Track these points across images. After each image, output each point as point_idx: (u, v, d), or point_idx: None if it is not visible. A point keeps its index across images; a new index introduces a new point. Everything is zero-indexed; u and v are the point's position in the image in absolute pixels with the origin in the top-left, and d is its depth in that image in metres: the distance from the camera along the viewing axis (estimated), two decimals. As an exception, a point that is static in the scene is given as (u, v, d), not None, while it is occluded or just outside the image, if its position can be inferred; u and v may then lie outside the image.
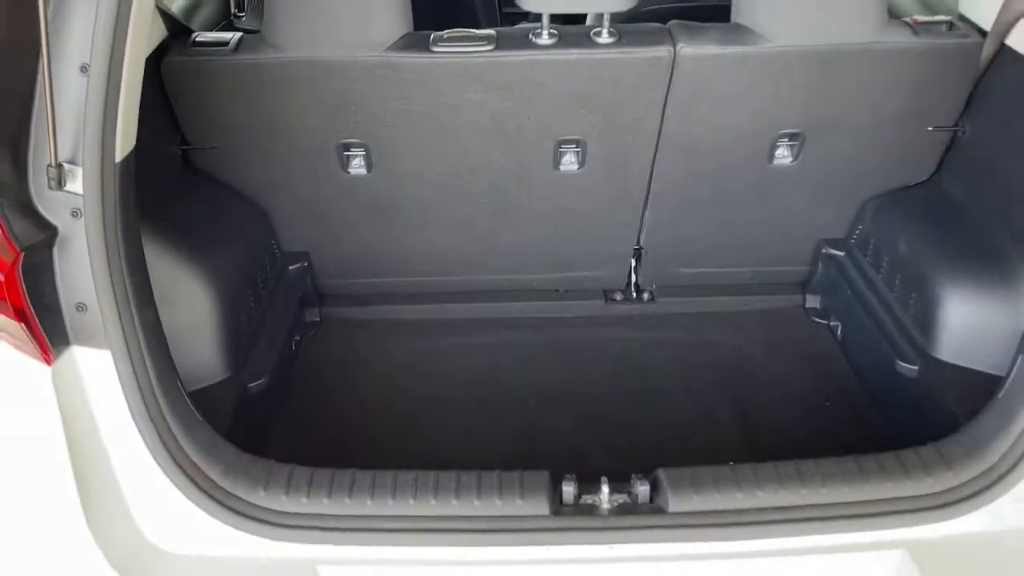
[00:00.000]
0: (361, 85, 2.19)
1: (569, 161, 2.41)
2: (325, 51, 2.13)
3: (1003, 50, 2.14)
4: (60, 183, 1.53)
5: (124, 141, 1.60)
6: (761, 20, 2.13)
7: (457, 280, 2.80)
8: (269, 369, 2.31)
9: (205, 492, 1.67)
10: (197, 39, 2.22)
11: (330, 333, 2.79)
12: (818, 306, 2.81)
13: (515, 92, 2.20)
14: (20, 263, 1.53)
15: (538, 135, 2.32)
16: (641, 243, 2.70)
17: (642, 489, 1.70)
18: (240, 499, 1.68)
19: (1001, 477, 1.67)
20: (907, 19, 2.21)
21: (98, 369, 1.63)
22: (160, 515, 1.66)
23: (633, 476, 1.73)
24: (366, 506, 1.66)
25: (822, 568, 1.67)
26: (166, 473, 1.66)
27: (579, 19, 3.11)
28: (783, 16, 2.12)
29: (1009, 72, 2.16)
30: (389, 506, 1.66)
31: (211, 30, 2.41)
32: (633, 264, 2.79)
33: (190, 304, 2.13)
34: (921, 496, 1.67)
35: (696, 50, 2.12)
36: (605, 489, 1.70)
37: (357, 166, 2.42)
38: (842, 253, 2.66)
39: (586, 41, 2.15)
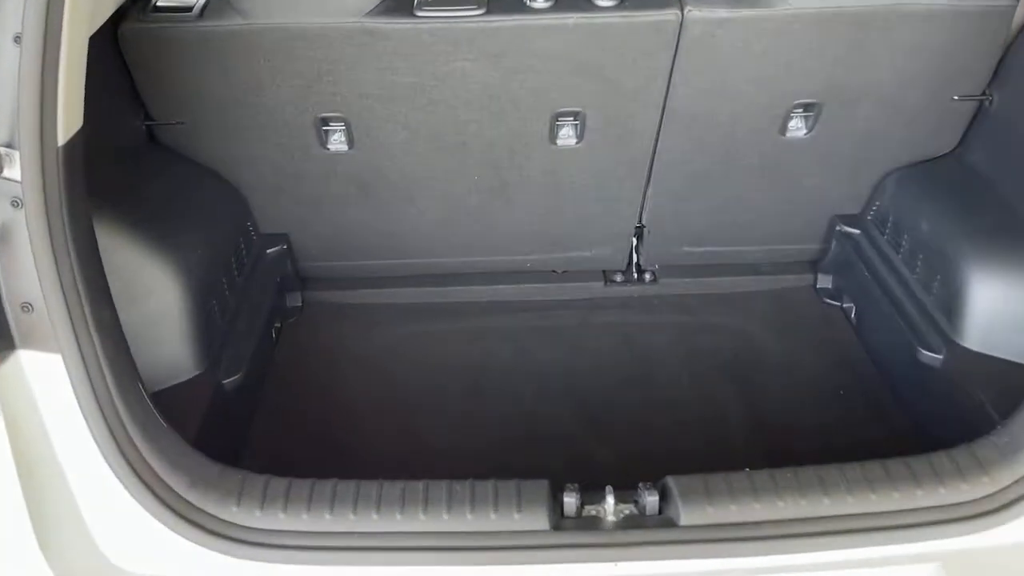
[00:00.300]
0: (339, 54, 2.00)
1: (566, 134, 2.23)
2: (298, 17, 1.94)
3: (1040, 12, 1.97)
4: (-4, 169, 1.36)
5: (68, 121, 1.41)
6: (777, -21, 1.95)
7: (447, 261, 2.64)
8: (245, 363, 2.14)
9: (169, 507, 1.51)
10: (158, 3, 2.02)
11: (313, 319, 2.63)
12: (830, 286, 2.66)
13: (508, 60, 2.02)
14: (-47, 260, 1.36)
15: (533, 106, 2.14)
16: (643, 221, 2.54)
17: (650, 500, 1.55)
18: (209, 515, 1.52)
19: (1042, 483, 1.52)
20: None
21: (48, 375, 1.46)
22: (120, 532, 1.51)
23: (640, 485, 1.58)
24: (349, 521, 1.51)
25: (847, 584, 1.53)
26: (126, 487, 1.50)
27: None
28: None
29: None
30: (374, 521, 1.51)
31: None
32: (634, 243, 2.63)
33: (156, 295, 1.96)
34: (955, 505, 1.53)
35: (705, 13, 1.94)
36: (610, 500, 1.55)
37: (337, 141, 2.25)
38: (857, 231, 2.50)
39: (585, 4, 1.97)
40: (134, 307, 1.79)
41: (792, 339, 2.52)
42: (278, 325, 2.53)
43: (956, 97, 2.19)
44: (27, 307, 1.43)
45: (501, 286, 2.67)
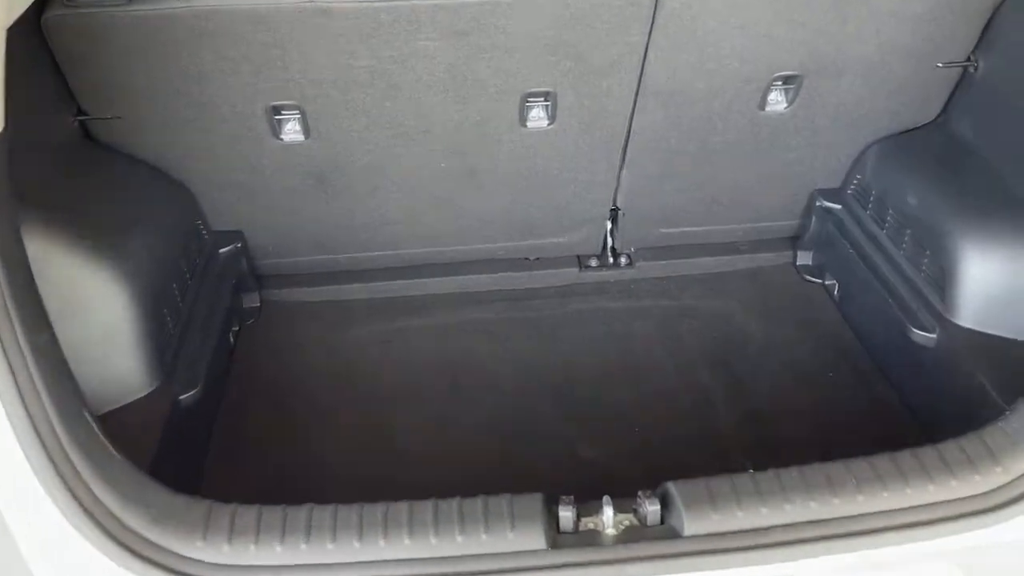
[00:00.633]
0: (291, 37, 1.84)
1: (537, 116, 2.11)
2: None
3: (1030, -27, 1.89)
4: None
5: (-17, 121, 1.25)
6: (757, -56, 1.84)
7: (414, 253, 2.50)
8: (203, 374, 1.99)
9: (127, 547, 1.37)
10: (85, -14, 1.84)
11: (272, 320, 2.47)
12: (810, 263, 2.59)
13: (473, 39, 1.88)
14: None
15: (501, 88, 2.00)
16: (618, 203, 2.43)
17: (651, 509, 1.45)
18: (172, 552, 1.38)
19: (1057, 471, 1.46)
20: None
21: (-23, 408, 1.31)
22: (73, 579, 1.36)
23: (639, 493, 1.48)
24: (327, 552, 1.38)
25: (861, 587, 1.45)
26: (76, 527, 1.35)
27: None
28: None
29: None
30: (355, 550, 1.38)
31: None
32: (609, 227, 2.52)
33: (100, 308, 1.79)
34: (969, 498, 1.45)
35: None
36: (608, 511, 1.45)
37: (292, 131, 2.09)
38: (838, 206, 2.43)
39: None
40: (75, 323, 1.64)
41: (775, 320, 2.44)
42: (236, 328, 2.38)
43: (940, 64, 2.10)
44: (-51, 334, 1.27)
45: (472, 276, 2.55)
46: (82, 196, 1.91)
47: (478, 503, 1.45)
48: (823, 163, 2.38)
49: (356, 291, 2.53)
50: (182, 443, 1.87)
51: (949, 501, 1.46)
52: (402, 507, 1.44)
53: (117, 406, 1.77)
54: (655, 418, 2.15)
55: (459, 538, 1.40)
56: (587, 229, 2.50)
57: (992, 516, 1.44)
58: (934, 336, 1.98)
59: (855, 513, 1.44)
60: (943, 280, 1.99)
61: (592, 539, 1.43)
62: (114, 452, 1.45)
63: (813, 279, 2.56)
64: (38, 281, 1.40)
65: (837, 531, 1.42)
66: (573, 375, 2.30)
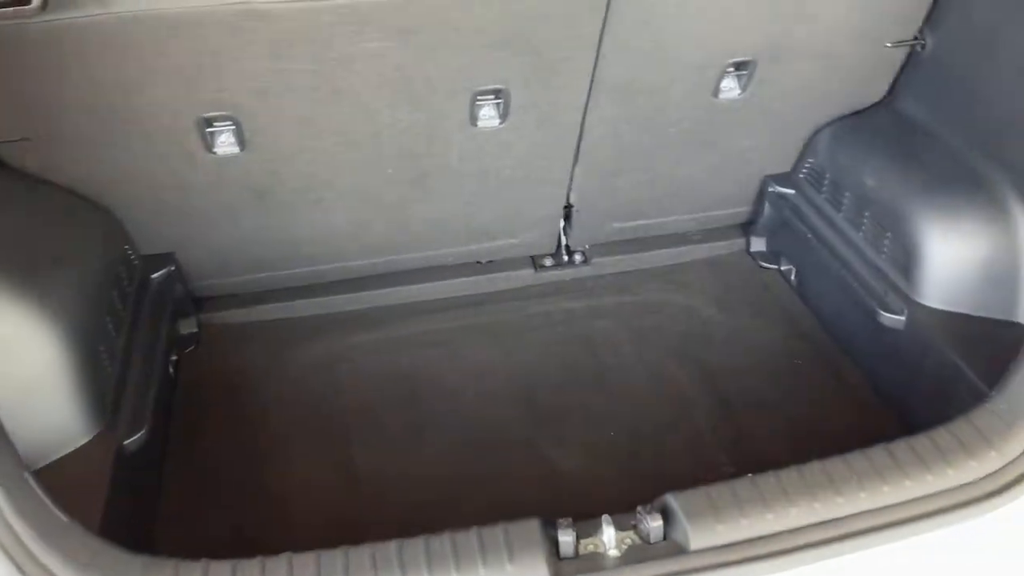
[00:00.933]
0: (223, 43, 1.70)
1: (488, 115, 2.01)
2: (171, 2, 1.61)
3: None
4: None
5: None
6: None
7: (362, 265, 2.38)
8: (148, 414, 1.83)
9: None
10: (-15, -6, 1.65)
11: (214, 346, 2.31)
12: (764, 249, 2.57)
13: (422, 37, 1.77)
14: None
15: (452, 87, 1.90)
16: (571, 200, 2.36)
17: (654, 525, 1.38)
18: (141, 623, 1.25)
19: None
20: None
21: None
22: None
23: (639, 508, 1.41)
24: (313, 609, 1.27)
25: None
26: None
27: None
28: None
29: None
30: (345, 604, 1.28)
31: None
32: (562, 224, 2.45)
33: (28, 352, 1.62)
34: (967, 485, 1.44)
35: None
36: (610, 531, 1.38)
37: (226, 143, 1.94)
38: (791, 190, 2.41)
39: None
40: (1, 371, 1.47)
41: (736, 309, 2.41)
42: (175, 358, 2.21)
43: (889, 44, 2.09)
44: None
45: (424, 285, 2.44)
46: None
47: (472, 536, 1.35)
48: (775, 148, 2.36)
49: (302, 308, 2.39)
50: (132, 492, 1.72)
51: (949, 490, 1.43)
52: (391, 547, 1.33)
53: (57, 458, 1.61)
54: (629, 419, 2.09)
55: (455, 575, 1.30)
56: (541, 229, 2.42)
57: (991, 502, 1.43)
58: (903, 318, 1.98)
59: (858, 511, 1.40)
60: (908, 261, 1.99)
61: (596, 563, 1.36)
62: (59, 513, 1.31)
63: (768, 265, 2.54)
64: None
65: (843, 531, 1.38)
66: (539, 381, 2.22)
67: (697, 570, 1.34)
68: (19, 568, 1.21)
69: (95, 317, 1.82)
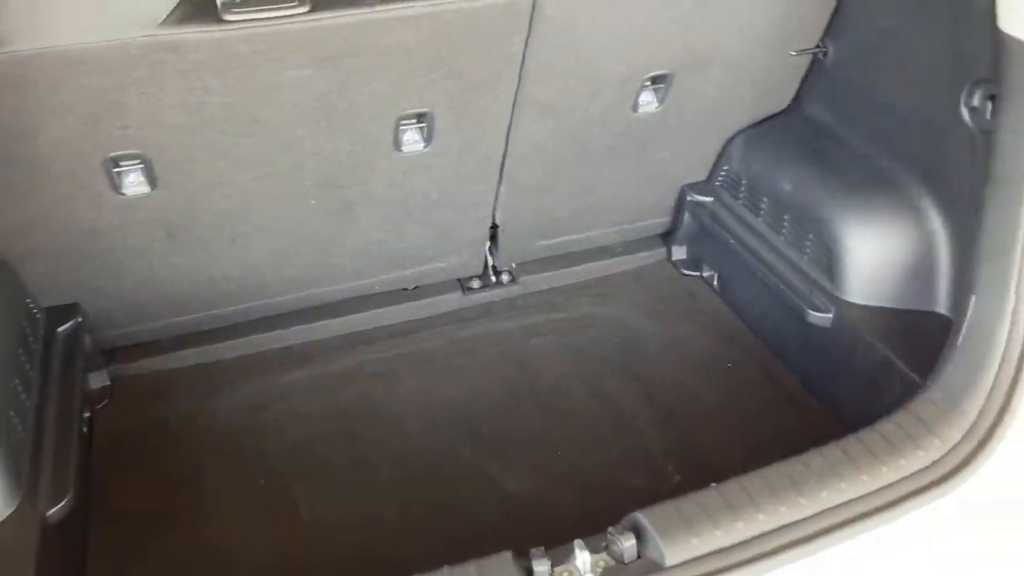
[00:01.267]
0: (131, 78, 1.60)
1: (412, 140, 1.98)
2: (73, 37, 1.50)
3: (872, -40, 1.98)
4: None
5: None
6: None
7: (286, 300, 2.28)
8: (70, 479, 1.69)
9: None
10: None
11: (130, 399, 2.17)
12: (685, 256, 2.62)
13: (345, 63, 1.71)
14: None
15: (375, 112, 1.85)
16: (497, 220, 2.34)
17: (627, 545, 1.37)
18: None
19: (985, 436, 1.52)
20: None
21: None
22: None
23: (609, 529, 1.40)
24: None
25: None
26: None
27: None
28: None
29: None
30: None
31: None
32: (488, 245, 2.43)
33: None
34: (916, 474, 1.49)
35: None
36: (583, 555, 1.36)
37: (135, 183, 1.83)
38: (710, 198, 2.46)
39: None
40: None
41: (665, 317, 2.45)
42: (88, 415, 2.06)
43: (793, 52, 2.17)
44: None
45: (353, 316, 2.37)
46: None
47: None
48: (692, 158, 2.41)
49: (226, 351, 2.27)
50: (59, 562, 1.58)
51: (902, 480, 1.49)
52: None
53: (-28, 539, 1.47)
54: (574, 437, 2.08)
55: (435, 624, 1.26)
56: (467, 251, 2.39)
57: (941, 488, 1.49)
58: (830, 315, 2.04)
59: (822, 509, 1.44)
60: (830, 260, 2.06)
61: (574, 590, 1.34)
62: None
63: (690, 272, 2.59)
64: None
65: (810, 531, 1.41)
66: (480, 405, 2.18)
67: (676, 586, 1.33)
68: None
69: (1, 381, 1.67)
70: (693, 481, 1.49)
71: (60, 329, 2.02)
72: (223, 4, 1.59)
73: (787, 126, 2.33)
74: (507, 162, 2.15)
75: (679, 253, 2.62)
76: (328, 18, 1.62)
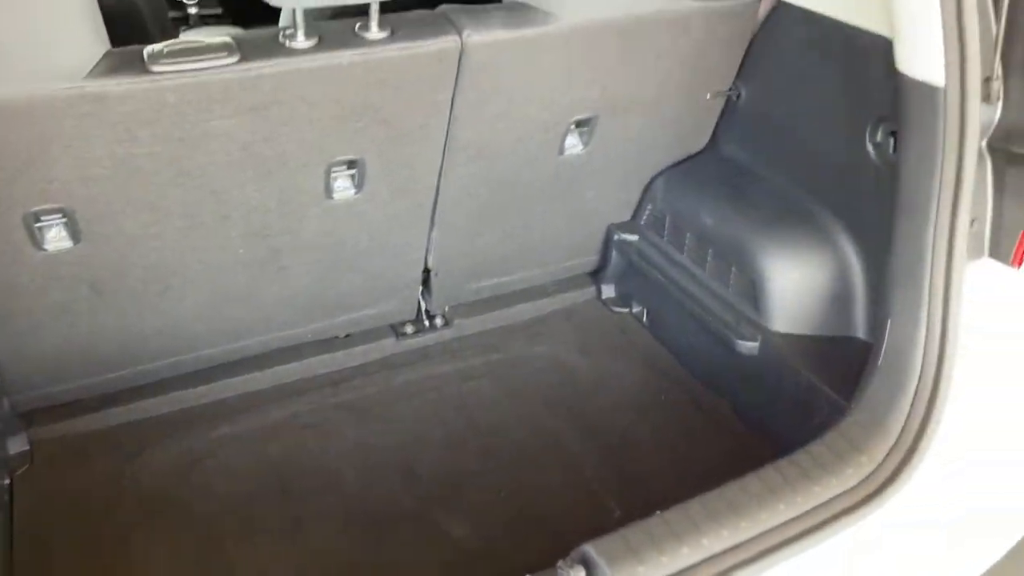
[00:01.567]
0: (54, 131, 1.56)
1: (343, 187, 1.98)
2: None
3: (779, 6, 2.10)
4: None
5: None
6: (544, -5, 1.87)
7: (216, 352, 2.23)
8: None
9: None
10: None
11: (51, 463, 2.07)
12: (614, 294, 2.68)
13: (272, 112, 1.72)
14: None
15: (305, 161, 1.86)
16: (429, 265, 2.35)
17: (577, 578, 1.38)
18: None
19: (909, 450, 1.60)
20: None
21: None
22: None
23: (559, 563, 1.41)
24: None
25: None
26: None
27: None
28: None
29: (781, 26, 2.13)
30: None
31: None
32: (420, 289, 2.43)
33: None
34: (847, 492, 1.55)
35: (484, 37, 1.81)
36: (536, 592, 1.36)
37: (56, 238, 1.78)
38: (635, 236, 2.53)
39: (354, 39, 1.73)
40: None
41: (598, 354, 2.49)
42: (7, 482, 1.96)
43: (708, 95, 2.28)
44: None
45: (285, 366, 2.33)
46: None
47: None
48: (617, 198, 2.48)
49: (152, 408, 2.20)
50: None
51: (835, 498, 1.54)
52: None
53: None
54: (515, 477, 2.08)
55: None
56: (400, 296, 2.39)
57: (872, 504, 1.55)
58: (756, 344, 2.12)
59: (762, 531, 1.48)
60: (754, 291, 2.14)
61: (528, 628, 1.33)
62: None
63: (620, 309, 2.64)
64: None
65: (752, 552, 1.45)
66: (418, 451, 2.16)
67: (627, 616, 1.34)
68: None
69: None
70: (635, 513, 1.52)
71: None
72: (150, 56, 1.59)
73: (706, 165, 2.43)
74: (438, 206, 2.17)
75: (608, 291, 2.68)
76: (256, 68, 1.63)
